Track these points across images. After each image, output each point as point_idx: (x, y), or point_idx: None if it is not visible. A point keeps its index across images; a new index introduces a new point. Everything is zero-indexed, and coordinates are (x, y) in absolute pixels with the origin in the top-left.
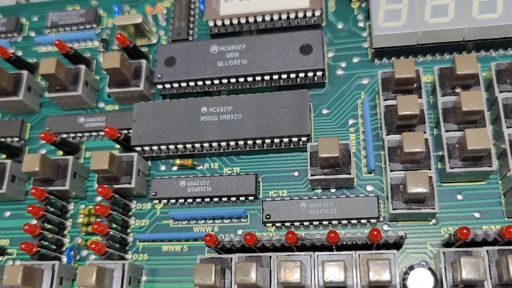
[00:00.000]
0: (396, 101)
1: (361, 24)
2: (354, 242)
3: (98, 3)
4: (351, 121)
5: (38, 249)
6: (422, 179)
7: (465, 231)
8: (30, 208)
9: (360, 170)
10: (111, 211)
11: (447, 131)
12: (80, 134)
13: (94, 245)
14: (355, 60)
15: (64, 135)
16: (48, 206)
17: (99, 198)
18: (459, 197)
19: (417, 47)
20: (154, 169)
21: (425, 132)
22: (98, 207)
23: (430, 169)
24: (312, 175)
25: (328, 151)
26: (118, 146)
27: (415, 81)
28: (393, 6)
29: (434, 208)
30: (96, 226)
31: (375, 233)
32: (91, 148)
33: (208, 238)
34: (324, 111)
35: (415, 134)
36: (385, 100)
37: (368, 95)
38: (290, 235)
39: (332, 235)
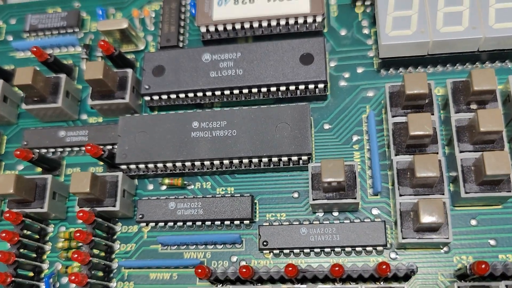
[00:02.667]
0: (406, 118)
1: (365, 31)
2: (360, 274)
3: (81, 5)
4: (355, 138)
5: (13, 279)
6: (436, 207)
7: (483, 266)
8: (4, 235)
9: (365, 191)
10: (93, 237)
11: (461, 151)
12: (60, 149)
13: (74, 277)
14: (360, 70)
15: (43, 150)
16: (24, 231)
17: (80, 221)
18: (473, 222)
19: (427, 57)
20: (141, 188)
21: (437, 153)
22: (78, 234)
23: (443, 194)
24: (314, 199)
25: (332, 175)
26: (102, 162)
27: (427, 96)
28: (402, 12)
29: (448, 238)
30: (76, 255)
31: (384, 267)
32: (72, 164)
33: (199, 270)
34: (326, 126)
35: (429, 158)
36: (393, 116)
37: (374, 109)
38: (290, 268)
39: (337, 268)
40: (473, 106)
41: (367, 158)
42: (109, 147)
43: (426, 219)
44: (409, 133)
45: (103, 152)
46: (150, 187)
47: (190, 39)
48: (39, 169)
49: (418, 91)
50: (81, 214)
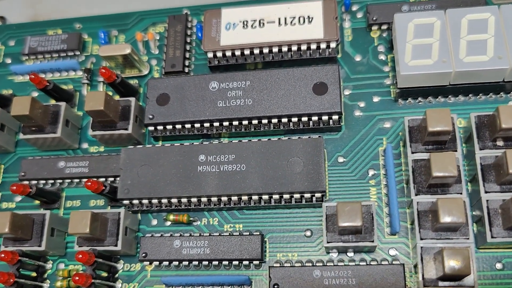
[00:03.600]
0: (428, 156)
1: (382, 57)
2: None
3: (82, 27)
4: (371, 172)
5: None
6: (462, 256)
7: None
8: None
9: (382, 230)
10: (93, 280)
11: (487, 192)
12: (60, 181)
13: None
14: (376, 99)
15: (42, 181)
16: (20, 270)
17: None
18: (499, 265)
19: (448, 87)
20: (144, 223)
21: (461, 193)
22: (77, 277)
23: (467, 238)
24: (328, 242)
25: (349, 220)
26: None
27: (450, 133)
28: (423, 40)
29: (473, 286)
30: None
31: None
32: (72, 196)
33: None
34: (340, 159)
35: (454, 202)
36: (413, 152)
37: (391, 142)
38: None
39: None
40: (500, 143)
41: (384, 194)
42: (111, 179)
43: (452, 268)
44: (432, 174)
45: (104, 188)
46: (154, 222)
47: (197, 64)
48: (37, 202)
49: (441, 128)
50: (81, 256)
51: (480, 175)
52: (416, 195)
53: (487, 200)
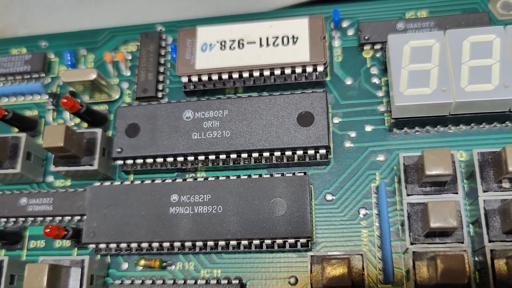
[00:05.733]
0: (425, 202)
1: (375, 80)
2: None
3: (48, 45)
4: (363, 212)
5: None
6: None
7: None
8: None
9: (374, 279)
10: None
11: (491, 241)
12: (22, 219)
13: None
14: (368, 128)
15: (3, 219)
16: None
17: None
18: None
19: (448, 117)
20: (114, 266)
21: (462, 242)
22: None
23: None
24: None
25: (336, 280)
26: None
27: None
28: (420, 66)
29: None
30: None
31: None
32: (35, 236)
33: None
34: (329, 197)
35: (454, 259)
36: (409, 195)
37: (385, 177)
38: None
39: None
40: (506, 185)
41: (376, 236)
42: (78, 217)
43: None
44: (430, 225)
45: (66, 232)
46: (125, 266)
47: (171, 87)
48: None
49: (440, 172)
50: None
51: (484, 220)
52: (412, 243)
53: (491, 250)
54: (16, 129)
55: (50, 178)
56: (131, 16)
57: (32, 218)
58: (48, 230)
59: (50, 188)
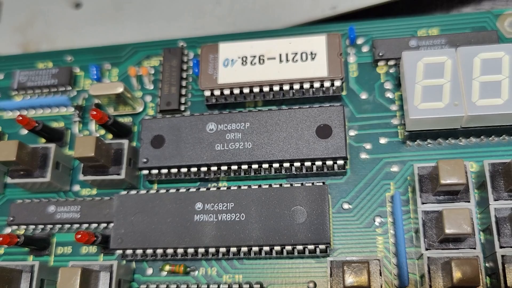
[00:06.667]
0: (439, 210)
1: (389, 95)
2: None
3: (74, 59)
4: (378, 220)
5: None
6: None
7: None
8: None
9: (390, 283)
10: None
11: (501, 247)
12: (50, 226)
13: None
14: (383, 141)
15: (32, 226)
16: None
17: None
18: None
19: (459, 130)
20: (139, 272)
21: (474, 248)
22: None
23: None
24: None
25: (356, 283)
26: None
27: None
28: (433, 81)
29: None
30: None
31: None
32: (63, 243)
33: None
34: (345, 206)
35: (469, 263)
36: (424, 203)
37: (399, 186)
38: None
39: None
40: None
41: (391, 243)
42: (104, 224)
43: None
44: (445, 231)
45: (96, 238)
46: (149, 271)
47: (193, 101)
48: (25, 249)
49: (454, 181)
50: None
51: (495, 227)
52: (427, 249)
53: (502, 256)
54: (44, 140)
55: (76, 187)
56: (153, 32)
57: (60, 225)
58: (80, 236)
59: (77, 197)
